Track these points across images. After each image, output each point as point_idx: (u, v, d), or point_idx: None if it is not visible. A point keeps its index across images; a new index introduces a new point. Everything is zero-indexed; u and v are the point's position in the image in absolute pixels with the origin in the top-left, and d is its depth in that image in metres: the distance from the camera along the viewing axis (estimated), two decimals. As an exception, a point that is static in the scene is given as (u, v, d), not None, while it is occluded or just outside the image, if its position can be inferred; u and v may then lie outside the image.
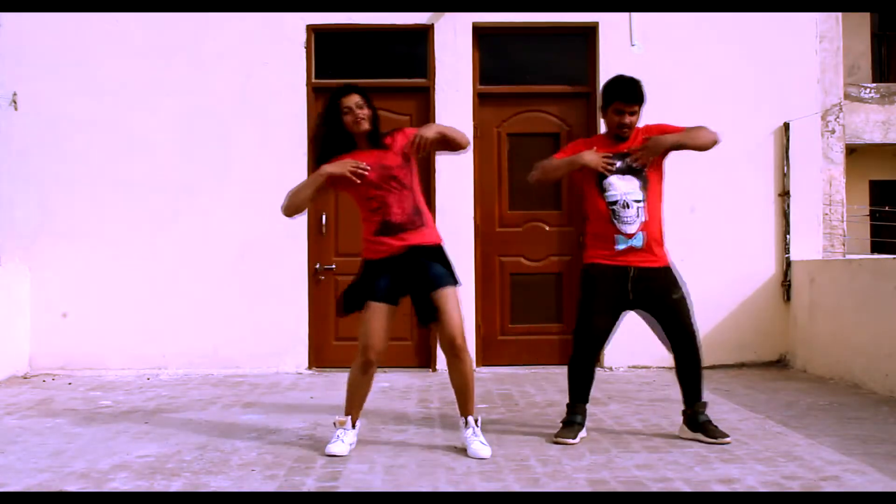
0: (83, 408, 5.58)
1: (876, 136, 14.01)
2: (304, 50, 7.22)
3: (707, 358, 7.12)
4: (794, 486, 3.65)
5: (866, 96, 13.94)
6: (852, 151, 13.43)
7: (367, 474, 3.89)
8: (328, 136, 4.32)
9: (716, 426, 4.50)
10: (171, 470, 3.98)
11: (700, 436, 4.48)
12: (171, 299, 7.10)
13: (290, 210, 4.34)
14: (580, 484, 3.72)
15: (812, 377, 6.68)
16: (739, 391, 6.04)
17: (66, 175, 7.13)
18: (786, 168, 7.25)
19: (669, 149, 4.52)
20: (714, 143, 4.52)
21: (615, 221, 4.46)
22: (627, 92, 4.50)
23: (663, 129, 4.58)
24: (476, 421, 4.30)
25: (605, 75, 7.23)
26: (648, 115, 7.14)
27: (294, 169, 7.10)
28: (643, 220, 4.45)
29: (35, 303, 7.11)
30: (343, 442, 4.26)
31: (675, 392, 6.00)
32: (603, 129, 7.16)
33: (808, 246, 7.26)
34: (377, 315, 4.22)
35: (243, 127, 7.17)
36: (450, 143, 4.33)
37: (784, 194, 7.26)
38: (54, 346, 7.07)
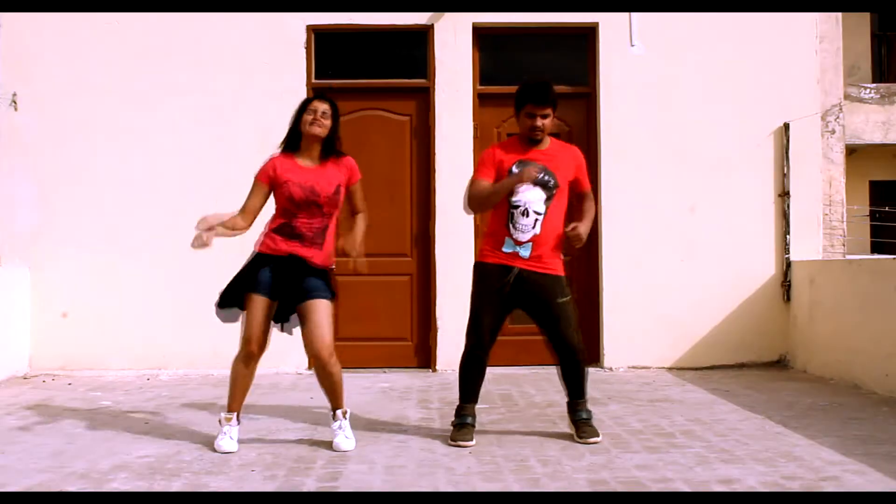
0: (83, 408, 5.58)
1: (876, 137, 14.00)
2: (304, 50, 7.22)
3: (707, 358, 7.20)
4: (794, 487, 3.65)
5: (866, 96, 13.93)
6: (852, 152, 13.42)
7: (367, 474, 3.89)
8: (290, 128, 4.54)
9: (591, 427, 4.52)
10: (171, 470, 3.99)
11: (574, 432, 4.55)
12: (171, 299, 7.10)
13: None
14: (580, 484, 3.72)
15: (812, 377, 6.68)
16: (739, 391, 6.04)
17: (67, 175, 7.13)
18: (785, 168, 7.25)
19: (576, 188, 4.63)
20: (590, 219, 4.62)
21: (510, 226, 4.48)
22: (538, 95, 4.51)
23: (580, 166, 4.65)
24: (344, 414, 4.44)
25: (605, 75, 7.25)
26: (649, 115, 7.19)
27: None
28: (536, 232, 4.47)
29: (35, 303, 7.11)
30: (231, 438, 4.37)
31: (676, 392, 6.03)
32: (604, 130, 7.22)
33: (807, 246, 7.26)
34: (257, 307, 4.34)
35: (243, 127, 7.16)
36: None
37: (784, 194, 7.26)
38: (54, 346, 7.07)
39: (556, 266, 4.54)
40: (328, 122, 4.43)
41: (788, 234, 7.24)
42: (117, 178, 7.13)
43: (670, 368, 7.17)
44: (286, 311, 4.47)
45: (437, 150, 7.17)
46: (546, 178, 4.48)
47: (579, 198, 4.66)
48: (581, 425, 4.53)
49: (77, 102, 7.14)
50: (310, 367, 7.10)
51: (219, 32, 7.17)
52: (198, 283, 7.12)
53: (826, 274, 6.76)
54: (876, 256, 10.38)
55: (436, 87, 7.20)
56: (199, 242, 4.32)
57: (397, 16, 7.19)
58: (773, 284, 7.27)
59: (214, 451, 4.34)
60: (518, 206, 4.46)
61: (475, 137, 7.23)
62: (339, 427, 4.40)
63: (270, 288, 4.37)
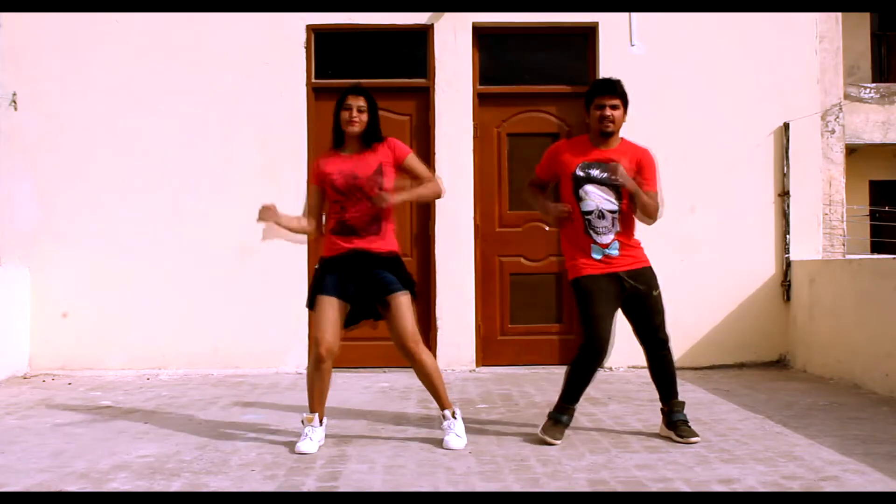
0: (83, 408, 5.58)
1: (876, 137, 14.01)
2: (304, 50, 7.22)
3: (707, 358, 7.20)
4: (794, 486, 3.65)
5: (866, 96, 13.93)
6: (852, 151, 13.43)
7: (367, 474, 3.89)
8: (334, 124, 4.47)
9: (689, 427, 4.51)
10: (171, 470, 3.99)
11: (671, 434, 4.53)
12: (171, 299, 7.10)
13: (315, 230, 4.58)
14: (580, 484, 3.72)
15: (812, 377, 6.69)
16: (739, 391, 6.04)
17: (67, 175, 7.13)
18: (785, 168, 7.25)
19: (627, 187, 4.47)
20: (655, 217, 4.59)
21: (590, 232, 4.46)
22: (606, 85, 4.52)
23: (647, 166, 4.57)
24: (453, 414, 4.42)
25: (605, 75, 7.23)
26: (649, 115, 7.19)
27: (294, 169, 7.12)
28: (617, 230, 4.48)
29: (35, 303, 7.11)
30: (311, 440, 4.34)
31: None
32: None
33: (807, 246, 7.26)
34: (324, 307, 4.33)
35: (243, 127, 7.17)
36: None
37: (784, 194, 7.26)
38: (54, 346, 7.07)
39: (645, 257, 4.58)
40: (364, 117, 4.38)
41: (788, 233, 7.24)
42: (117, 178, 7.13)
43: (670, 368, 7.15)
44: (369, 306, 4.43)
45: (437, 150, 7.17)
46: (611, 176, 4.43)
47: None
48: (679, 425, 4.51)
49: (77, 102, 7.14)
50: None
51: (219, 32, 7.17)
52: (198, 284, 7.13)
53: (826, 274, 6.76)
54: (876, 256, 10.38)
55: (436, 86, 7.20)
56: (272, 234, 4.35)
57: (397, 16, 7.19)
58: (773, 284, 7.27)
59: (215, 450, 4.34)
60: (592, 212, 4.45)
61: (475, 137, 7.24)
62: (449, 426, 4.38)
63: (338, 289, 4.33)
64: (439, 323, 7.17)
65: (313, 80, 7.26)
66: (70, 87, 7.14)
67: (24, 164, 7.14)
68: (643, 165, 4.56)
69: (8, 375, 6.82)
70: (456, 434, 4.37)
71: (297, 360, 7.11)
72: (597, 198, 4.46)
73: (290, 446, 4.43)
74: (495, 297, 7.36)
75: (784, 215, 7.26)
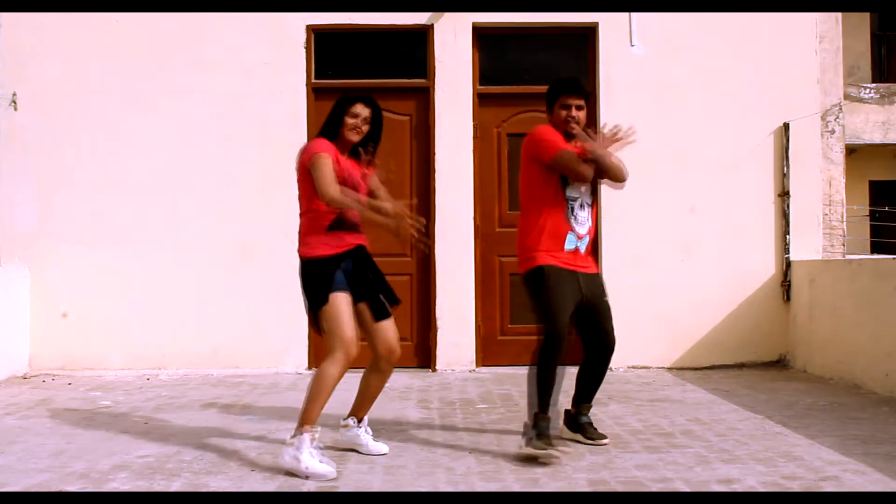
0: (83, 408, 5.58)
1: (876, 137, 14.01)
2: (304, 50, 7.22)
3: (707, 358, 7.20)
4: (794, 487, 3.65)
5: (866, 96, 13.93)
6: (852, 152, 13.42)
7: (367, 474, 3.89)
8: (328, 122, 4.32)
9: (594, 428, 4.49)
10: (171, 470, 3.98)
11: (579, 437, 4.51)
12: (171, 299, 7.10)
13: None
14: (580, 484, 3.72)
15: (812, 377, 6.68)
16: (739, 391, 6.04)
17: (67, 175, 7.13)
18: (785, 168, 7.25)
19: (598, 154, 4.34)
20: (624, 176, 4.47)
21: (571, 219, 4.40)
22: (570, 85, 4.47)
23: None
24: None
25: (605, 75, 7.25)
26: (649, 115, 7.19)
27: (294, 168, 7.10)
28: (590, 224, 4.47)
29: (35, 303, 7.11)
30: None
31: (675, 392, 6.03)
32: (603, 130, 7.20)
33: (807, 246, 7.26)
34: (342, 308, 4.07)
35: (243, 127, 7.17)
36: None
37: (784, 194, 7.26)
38: (54, 346, 7.07)
39: (595, 262, 4.59)
40: (366, 129, 4.30)
41: (788, 233, 7.24)
42: (117, 178, 7.13)
43: (670, 368, 7.17)
44: (375, 303, 4.27)
45: (436, 150, 7.17)
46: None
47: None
48: (587, 427, 4.51)
49: (77, 102, 7.14)
50: (310, 367, 7.10)
51: (219, 32, 7.17)
52: (198, 284, 7.13)
53: (826, 274, 6.76)
54: (876, 256, 10.38)
55: (436, 87, 7.20)
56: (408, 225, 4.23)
57: (397, 16, 7.19)
58: (773, 284, 7.27)
59: (215, 450, 4.34)
60: (576, 199, 4.42)
61: (475, 137, 7.24)
62: (367, 431, 4.36)
63: (348, 284, 4.17)
64: (439, 323, 7.17)
65: (313, 80, 7.26)
66: (70, 87, 7.14)
67: (24, 164, 7.14)
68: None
69: (8, 375, 6.82)
70: (373, 438, 4.36)
71: (297, 360, 7.12)
72: (581, 188, 4.44)
73: (290, 446, 4.42)
74: (495, 297, 7.36)
75: (784, 215, 7.26)
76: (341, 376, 4.07)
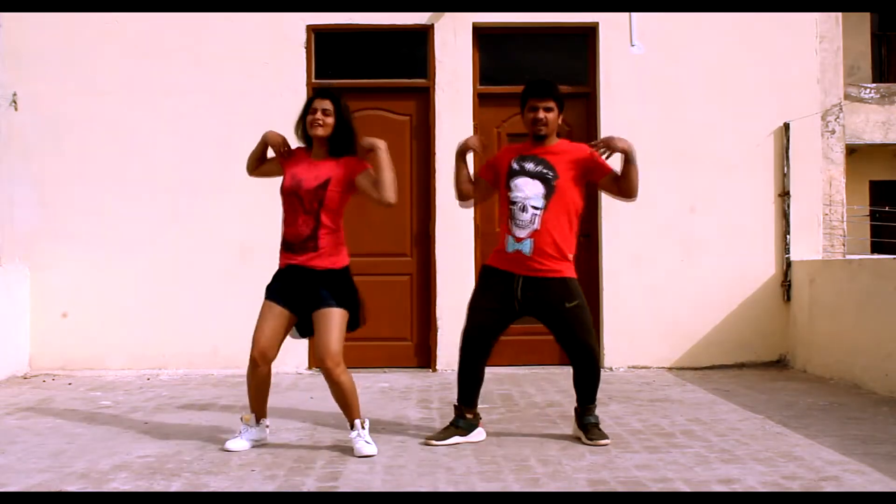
0: (83, 408, 5.58)
1: (876, 137, 14.01)
2: (304, 50, 7.22)
3: (707, 358, 7.20)
4: (794, 487, 3.65)
5: (866, 96, 13.93)
6: (852, 152, 13.42)
7: (367, 474, 3.89)
8: (301, 126, 4.45)
9: (599, 429, 4.49)
10: (171, 470, 3.98)
11: (582, 436, 4.51)
12: (171, 299, 7.10)
13: (247, 168, 4.72)
14: (580, 484, 3.72)
15: (812, 377, 6.68)
16: (739, 391, 6.04)
17: (66, 175, 7.13)
18: (786, 168, 7.25)
19: (622, 152, 4.40)
20: (637, 189, 4.50)
21: (510, 222, 4.46)
22: (538, 87, 4.52)
23: (589, 156, 4.50)
24: (363, 423, 4.32)
25: (605, 75, 7.26)
26: (649, 115, 7.19)
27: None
28: (535, 228, 4.41)
29: (35, 303, 7.11)
30: (242, 439, 4.40)
31: (676, 392, 6.03)
32: (604, 130, 7.22)
33: (807, 246, 7.26)
34: (264, 312, 4.36)
35: (243, 127, 7.15)
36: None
37: (784, 194, 7.26)
38: (54, 346, 7.07)
39: (561, 268, 4.42)
40: (330, 120, 4.31)
41: (788, 233, 7.24)
42: (117, 178, 7.13)
43: (670, 368, 7.17)
44: (306, 323, 4.41)
45: (437, 150, 7.17)
46: (543, 170, 4.44)
47: (615, 178, 4.49)
48: (590, 428, 4.50)
49: (77, 102, 7.13)
50: (310, 368, 7.11)
51: (219, 32, 7.17)
52: (198, 284, 7.13)
53: (826, 274, 6.76)
54: (876, 256, 10.38)
55: (436, 86, 7.20)
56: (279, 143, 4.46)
57: (397, 16, 7.19)
58: (773, 284, 7.27)
59: (215, 450, 4.34)
60: (516, 203, 4.44)
61: (475, 137, 7.23)
62: (358, 435, 4.29)
63: (280, 296, 4.32)
64: (439, 323, 7.17)
65: (313, 81, 7.26)
66: (70, 87, 7.14)
67: (24, 164, 7.14)
68: (588, 156, 4.50)
69: (8, 375, 6.82)
70: (366, 441, 4.27)
71: (297, 360, 7.11)
72: (525, 190, 4.44)
73: (290, 446, 4.43)
74: (495, 297, 7.35)
75: (784, 215, 7.26)
76: (250, 373, 4.53)
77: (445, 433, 4.49)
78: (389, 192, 4.25)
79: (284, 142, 4.46)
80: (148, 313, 7.10)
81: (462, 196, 4.77)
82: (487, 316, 4.46)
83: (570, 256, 4.49)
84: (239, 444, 4.38)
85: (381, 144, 4.32)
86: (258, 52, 7.17)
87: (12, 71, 7.15)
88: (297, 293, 4.32)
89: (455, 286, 7.16)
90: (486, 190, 4.74)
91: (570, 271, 4.46)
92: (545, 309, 4.44)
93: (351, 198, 4.40)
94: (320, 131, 4.32)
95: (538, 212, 4.41)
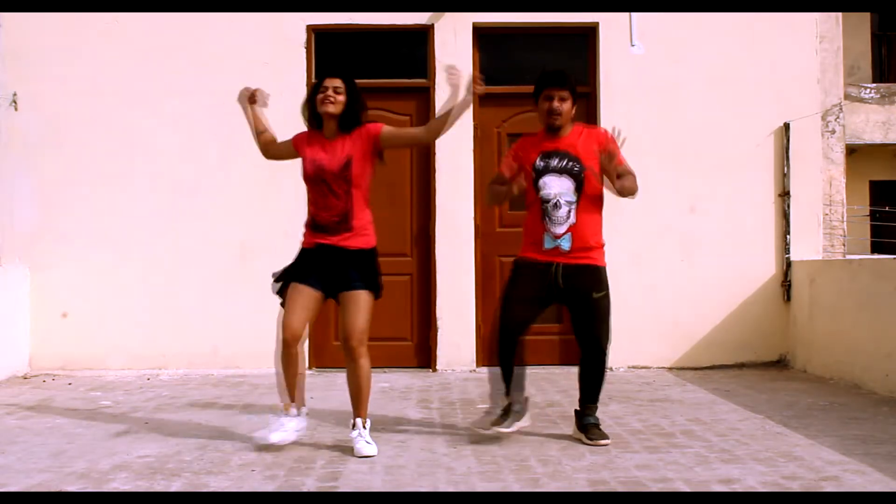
0: (83, 408, 5.58)
1: (876, 137, 14.01)
2: (304, 50, 7.22)
3: (707, 358, 7.20)
4: (794, 487, 3.65)
5: (866, 96, 13.93)
6: (852, 152, 13.42)
7: (367, 474, 3.89)
8: (308, 106, 4.48)
9: (600, 429, 4.48)
10: (171, 470, 3.98)
11: (582, 437, 4.51)
12: (171, 299, 7.10)
13: (259, 148, 4.82)
14: (580, 484, 3.72)
15: (812, 377, 6.68)
16: (740, 391, 6.04)
17: (66, 175, 7.13)
18: (786, 168, 7.25)
19: (611, 163, 4.41)
20: (636, 189, 4.56)
21: (546, 220, 4.46)
22: (553, 77, 4.52)
23: (606, 141, 4.49)
24: (364, 423, 4.32)
25: (605, 75, 7.25)
26: (649, 115, 7.19)
27: (294, 169, 7.08)
28: (572, 222, 4.44)
29: (35, 303, 7.11)
30: (286, 430, 4.35)
31: (675, 392, 6.03)
32: (603, 127, 7.21)
33: (808, 246, 7.26)
34: (293, 295, 4.32)
35: (243, 127, 7.12)
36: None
37: (784, 194, 7.26)
38: (54, 346, 7.07)
39: (597, 256, 4.51)
40: (342, 98, 4.32)
41: (788, 233, 7.24)
42: (117, 178, 7.14)
43: (670, 368, 7.17)
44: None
45: (437, 150, 7.17)
46: (568, 164, 4.44)
47: (619, 174, 4.50)
48: (590, 428, 4.50)
49: (77, 102, 7.14)
50: (310, 367, 7.10)
51: (219, 32, 7.17)
52: (198, 284, 7.13)
53: (826, 274, 6.76)
54: (876, 256, 10.38)
55: (436, 87, 7.20)
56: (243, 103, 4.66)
57: (397, 16, 7.19)
58: (773, 284, 7.27)
59: (215, 450, 4.34)
60: (549, 200, 4.44)
61: (475, 137, 7.24)
62: (358, 435, 4.28)
63: (309, 278, 4.33)
64: (439, 323, 7.17)
65: (313, 81, 7.24)
66: (70, 87, 7.14)
67: (25, 164, 7.14)
68: (605, 141, 4.50)
69: (8, 375, 6.82)
70: (366, 441, 4.26)
71: (297, 360, 7.10)
72: (555, 187, 4.44)
73: (291, 446, 4.42)
74: (495, 297, 7.33)
75: (784, 215, 7.26)
76: (283, 359, 4.37)
77: (509, 421, 4.47)
78: (439, 132, 4.54)
79: (251, 93, 4.66)
80: (148, 313, 7.10)
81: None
82: (523, 307, 4.46)
83: (602, 241, 4.57)
84: (286, 435, 4.33)
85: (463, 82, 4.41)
86: (258, 52, 7.17)
87: (12, 71, 7.15)
88: (325, 272, 4.33)
89: (455, 286, 7.16)
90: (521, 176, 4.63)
91: (602, 259, 4.54)
92: (574, 296, 4.47)
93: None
94: (331, 108, 4.31)
95: (572, 206, 4.44)
